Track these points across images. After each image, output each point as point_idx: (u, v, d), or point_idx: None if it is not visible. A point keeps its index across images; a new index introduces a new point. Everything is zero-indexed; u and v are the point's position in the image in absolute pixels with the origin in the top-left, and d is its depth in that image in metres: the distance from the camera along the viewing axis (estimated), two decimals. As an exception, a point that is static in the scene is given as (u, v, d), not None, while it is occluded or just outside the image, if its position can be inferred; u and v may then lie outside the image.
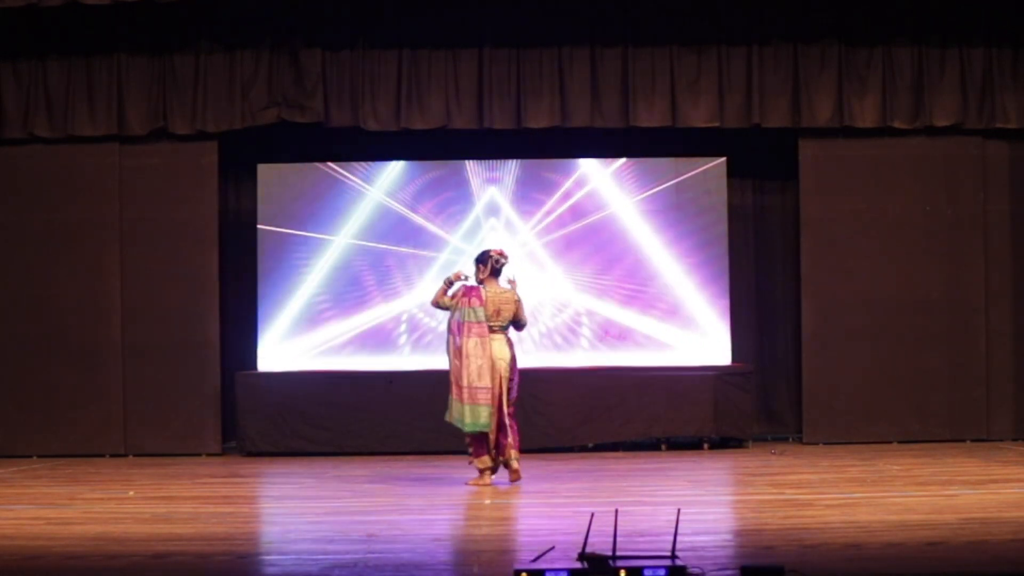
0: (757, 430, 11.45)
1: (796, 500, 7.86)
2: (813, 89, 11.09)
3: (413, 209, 11.41)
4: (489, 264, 8.84)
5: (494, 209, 11.45)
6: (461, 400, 8.62)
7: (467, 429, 8.64)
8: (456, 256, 11.34)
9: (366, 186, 11.41)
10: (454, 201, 11.44)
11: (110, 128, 11.07)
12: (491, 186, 11.43)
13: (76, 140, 11.12)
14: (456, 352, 8.70)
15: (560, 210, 11.43)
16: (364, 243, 11.39)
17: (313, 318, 11.36)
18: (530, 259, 11.42)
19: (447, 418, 8.75)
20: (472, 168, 11.46)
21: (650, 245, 11.40)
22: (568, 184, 11.43)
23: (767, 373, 11.84)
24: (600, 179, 11.43)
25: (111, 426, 11.06)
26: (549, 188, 11.45)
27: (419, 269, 11.40)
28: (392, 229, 11.40)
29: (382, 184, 11.42)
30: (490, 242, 11.12)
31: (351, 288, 11.40)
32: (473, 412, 8.57)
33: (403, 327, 11.39)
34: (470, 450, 8.73)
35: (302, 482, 9.34)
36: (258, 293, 11.39)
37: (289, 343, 11.34)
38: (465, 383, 8.60)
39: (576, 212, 11.42)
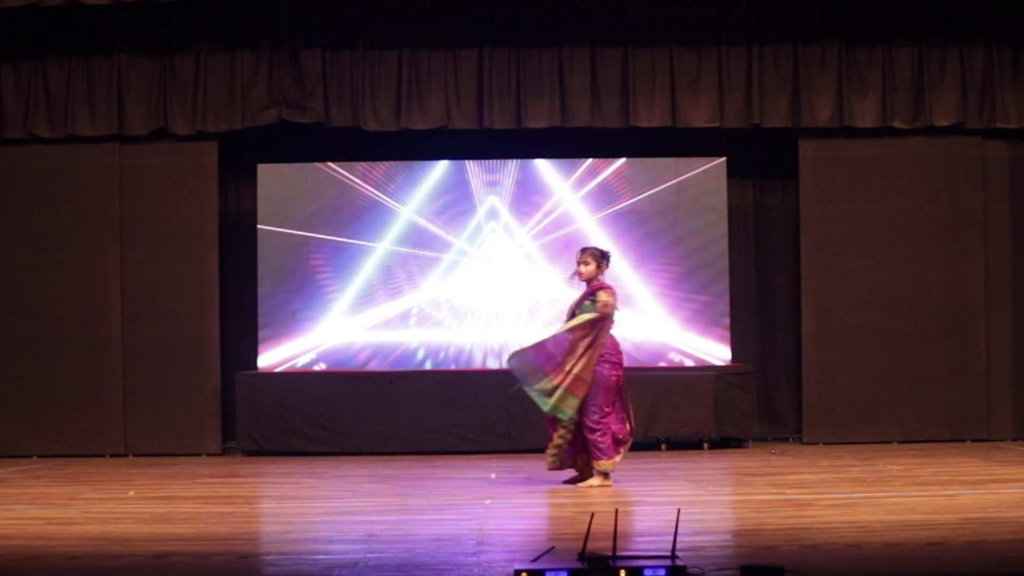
0: (757, 430, 11.46)
1: (796, 500, 7.86)
2: (813, 89, 11.09)
3: (414, 210, 11.41)
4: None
5: (494, 212, 11.44)
6: None
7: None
8: (458, 257, 11.35)
9: (366, 186, 11.42)
10: (455, 203, 11.44)
11: (110, 128, 11.07)
12: (491, 187, 11.43)
13: (76, 140, 11.13)
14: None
15: (560, 211, 11.43)
16: (364, 243, 11.39)
17: (314, 317, 11.36)
18: (528, 260, 11.42)
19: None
20: (472, 169, 11.46)
21: (650, 245, 11.40)
22: (568, 185, 11.44)
23: (767, 373, 11.85)
24: (599, 180, 11.43)
25: (111, 426, 11.07)
26: (548, 189, 11.46)
27: (420, 269, 11.41)
28: (392, 229, 11.40)
29: (382, 184, 11.42)
30: (491, 243, 11.19)
31: (352, 287, 11.39)
32: None
33: (412, 320, 11.37)
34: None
35: (302, 482, 9.34)
36: (258, 293, 11.39)
37: (290, 342, 11.34)
38: None
39: (576, 212, 11.42)
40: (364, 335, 11.37)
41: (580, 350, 8.46)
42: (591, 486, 8.48)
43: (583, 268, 8.64)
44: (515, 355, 8.66)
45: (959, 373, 11.24)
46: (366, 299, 11.41)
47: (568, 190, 11.43)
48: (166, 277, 11.17)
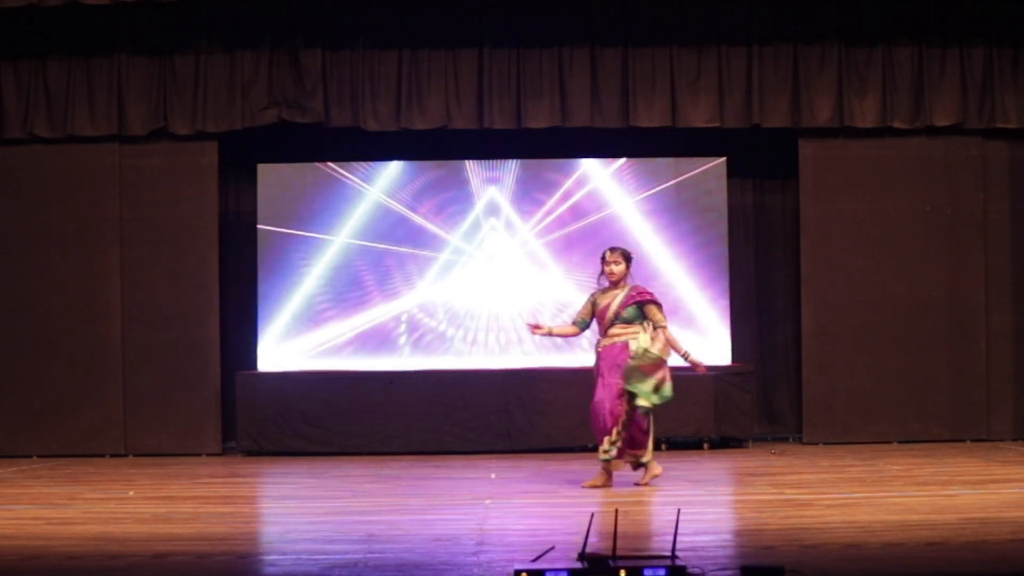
0: (757, 430, 11.46)
1: (796, 500, 7.86)
2: (813, 89, 11.09)
3: (413, 209, 11.42)
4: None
5: (494, 209, 11.45)
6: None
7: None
8: (456, 256, 11.35)
9: (366, 186, 11.42)
10: (454, 201, 11.44)
11: (110, 128, 11.07)
12: (491, 185, 11.43)
13: (76, 140, 11.12)
14: None
15: (560, 210, 11.43)
16: (364, 243, 11.39)
17: (313, 318, 11.37)
18: (530, 259, 11.42)
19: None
20: (472, 168, 11.46)
21: (650, 245, 11.40)
22: (568, 184, 11.44)
23: (767, 373, 11.85)
24: (600, 179, 11.44)
25: (111, 426, 11.07)
26: (549, 188, 11.46)
27: (419, 269, 11.41)
28: (392, 229, 11.41)
29: (382, 184, 11.43)
30: (491, 242, 11.20)
31: (351, 288, 11.40)
32: None
33: (403, 327, 11.39)
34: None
35: (302, 482, 9.34)
36: (258, 293, 11.39)
37: (289, 343, 11.34)
38: None
39: (576, 212, 11.43)
40: (361, 338, 11.37)
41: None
42: (656, 475, 8.54)
43: (614, 267, 8.57)
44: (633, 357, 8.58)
45: (959, 373, 11.24)
46: (365, 299, 11.40)
47: (568, 190, 11.43)
48: (166, 277, 11.17)
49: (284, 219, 11.40)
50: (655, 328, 8.49)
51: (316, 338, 11.36)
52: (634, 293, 8.56)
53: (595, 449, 10.82)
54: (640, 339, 8.47)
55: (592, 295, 8.73)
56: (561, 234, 11.43)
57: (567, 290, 11.38)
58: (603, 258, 8.65)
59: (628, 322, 8.51)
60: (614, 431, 8.46)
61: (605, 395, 8.48)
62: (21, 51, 11.07)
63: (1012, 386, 11.30)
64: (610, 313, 8.53)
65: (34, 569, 5.81)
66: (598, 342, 8.67)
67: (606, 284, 8.64)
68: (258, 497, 8.95)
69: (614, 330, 8.53)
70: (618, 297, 8.55)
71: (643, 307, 8.53)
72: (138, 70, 11.07)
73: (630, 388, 8.42)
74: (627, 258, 8.63)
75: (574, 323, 8.81)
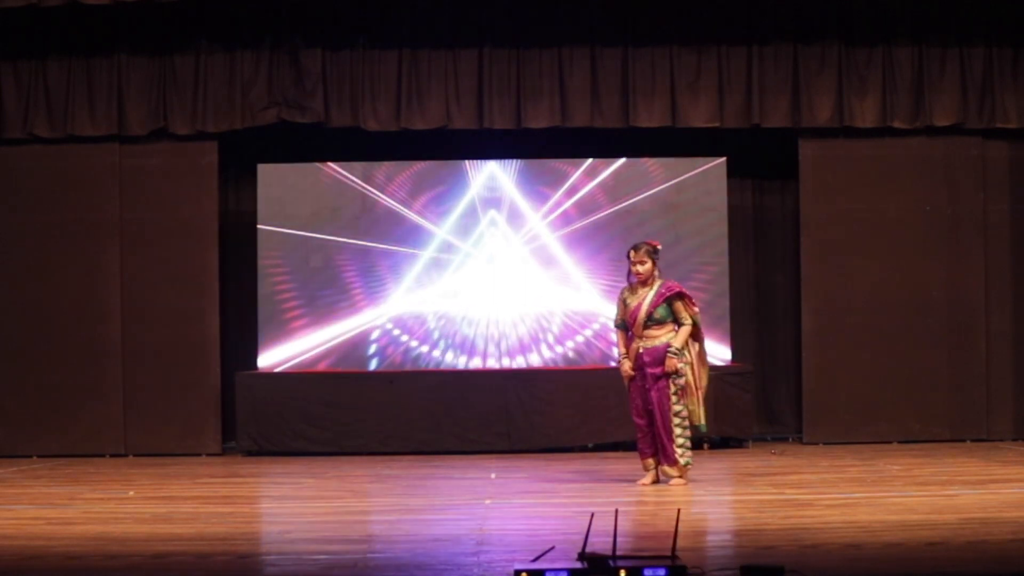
0: (757, 430, 11.46)
1: (796, 500, 7.86)
2: (813, 89, 11.09)
3: (412, 208, 11.40)
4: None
5: (494, 211, 11.43)
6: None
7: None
8: (451, 255, 11.35)
9: (366, 186, 11.42)
10: (453, 200, 11.43)
11: (110, 128, 11.07)
12: (491, 188, 11.41)
13: (76, 140, 11.12)
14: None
15: (559, 211, 11.43)
16: (365, 243, 11.38)
17: (311, 316, 11.36)
18: (530, 259, 11.41)
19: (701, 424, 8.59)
20: (472, 169, 11.45)
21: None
22: (567, 184, 11.43)
23: (767, 373, 11.85)
24: (599, 179, 11.43)
25: (111, 426, 11.06)
26: (548, 189, 11.45)
27: (417, 268, 11.39)
28: (391, 228, 11.40)
29: (382, 184, 11.42)
30: (490, 239, 11.18)
31: (349, 288, 11.39)
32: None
33: (372, 348, 11.36)
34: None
35: (302, 482, 9.34)
36: (258, 293, 11.39)
37: (289, 343, 11.34)
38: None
39: (575, 213, 11.42)
40: (354, 341, 11.37)
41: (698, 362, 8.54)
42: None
43: (640, 268, 8.47)
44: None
45: (959, 373, 11.23)
46: (363, 299, 11.40)
47: (567, 191, 11.42)
48: (166, 277, 11.17)
49: (284, 219, 11.40)
50: (680, 326, 8.47)
51: (313, 339, 11.35)
52: (663, 290, 8.48)
53: (595, 449, 10.90)
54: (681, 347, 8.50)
55: (621, 293, 8.65)
56: (559, 235, 11.41)
57: (570, 294, 11.36)
58: (628, 257, 8.57)
59: (661, 322, 8.46)
60: (677, 432, 8.48)
61: (661, 404, 8.43)
62: (21, 51, 11.07)
63: (1012, 386, 11.30)
64: (642, 314, 8.46)
65: (34, 569, 5.82)
66: (632, 340, 8.54)
67: (634, 280, 8.56)
68: (258, 497, 8.95)
69: (650, 331, 8.46)
70: (648, 297, 8.47)
71: (671, 303, 8.49)
72: (138, 70, 11.07)
73: (700, 425, 8.56)
74: (652, 255, 8.50)
75: (617, 327, 8.69)
